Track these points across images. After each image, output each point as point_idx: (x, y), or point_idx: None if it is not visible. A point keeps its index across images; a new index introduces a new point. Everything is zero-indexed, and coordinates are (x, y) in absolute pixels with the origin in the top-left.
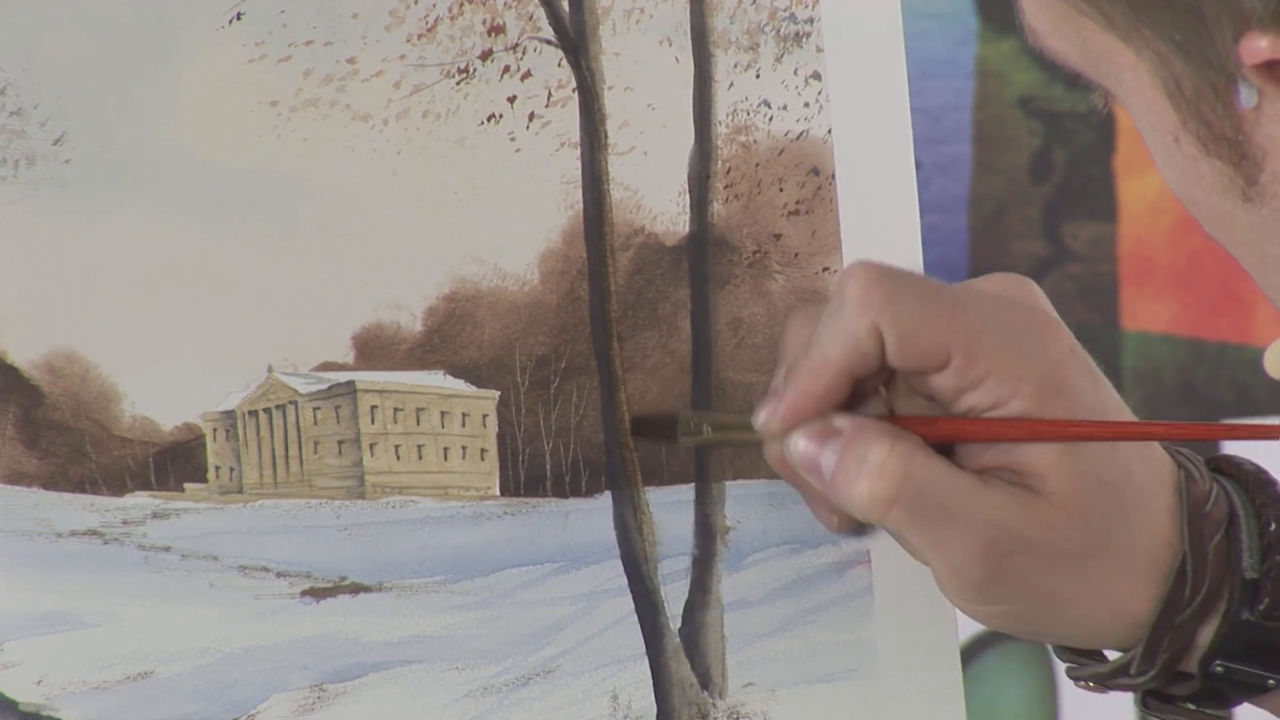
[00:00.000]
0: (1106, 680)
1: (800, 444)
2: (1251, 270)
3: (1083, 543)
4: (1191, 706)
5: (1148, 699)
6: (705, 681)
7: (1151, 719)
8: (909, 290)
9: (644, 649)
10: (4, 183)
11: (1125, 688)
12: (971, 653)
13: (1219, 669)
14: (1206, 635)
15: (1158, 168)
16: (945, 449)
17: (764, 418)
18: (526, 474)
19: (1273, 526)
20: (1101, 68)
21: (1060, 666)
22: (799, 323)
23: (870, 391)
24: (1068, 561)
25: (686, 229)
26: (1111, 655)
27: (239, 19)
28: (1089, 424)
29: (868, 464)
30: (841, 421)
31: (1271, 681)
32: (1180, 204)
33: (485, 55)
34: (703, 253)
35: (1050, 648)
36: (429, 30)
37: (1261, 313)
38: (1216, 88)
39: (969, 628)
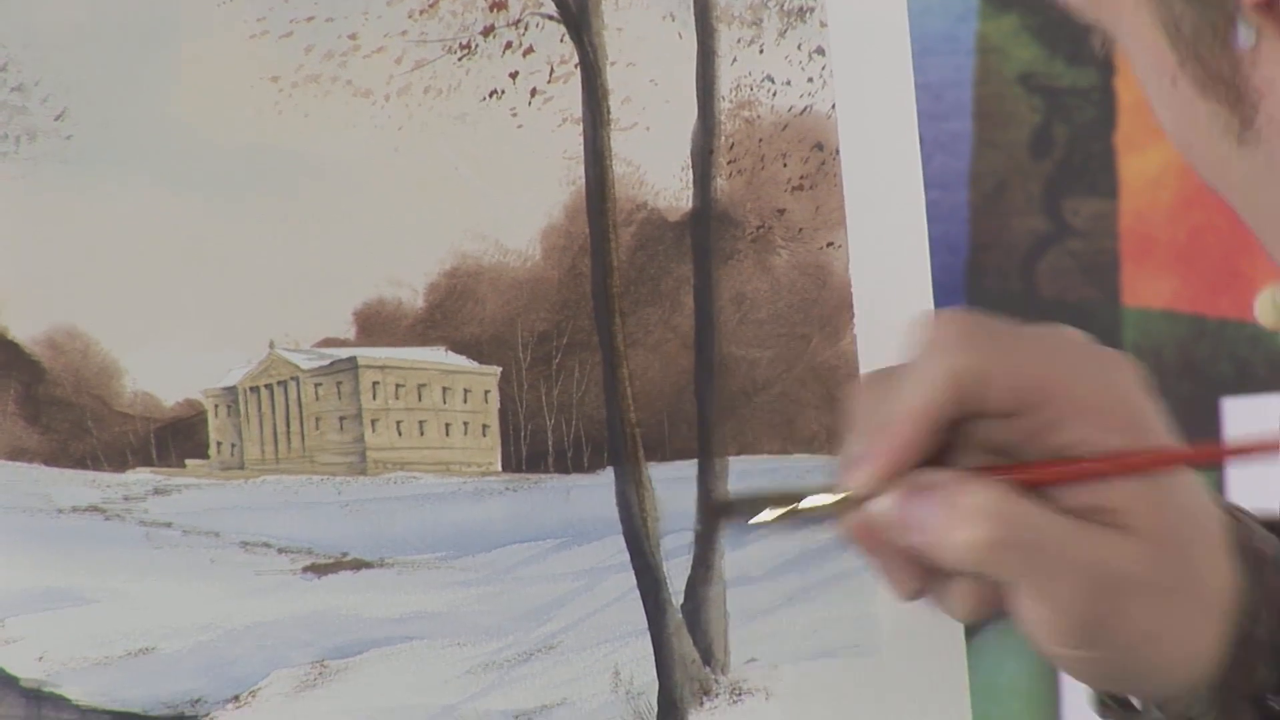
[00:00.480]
0: None
1: (888, 503)
2: (1246, 216)
3: (1177, 578)
4: None
5: None
6: (707, 657)
7: None
8: (996, 330)
9: (646, 625)
10: (5, 158)
11: None
12: (975, 628)
13: (1273, 704)
14: (1264, 672)
15: (1154, 112)
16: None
17: (858, 479)
18: (528, 450)
19: None
20: (1102, 6)
21: None
22: (872, 389)
23: (948, 451)
24: (1163, 599)
25: (689, 204)
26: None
27: None
28: (1175, 451)
29: (966, 510)
30: (931, 475)
31: None
32: (1182, 180)
33: (487, 31)
34: (705, 228)
35: (1088, 697)
36: (431, 6)
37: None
38: (1215, 27)
39: None
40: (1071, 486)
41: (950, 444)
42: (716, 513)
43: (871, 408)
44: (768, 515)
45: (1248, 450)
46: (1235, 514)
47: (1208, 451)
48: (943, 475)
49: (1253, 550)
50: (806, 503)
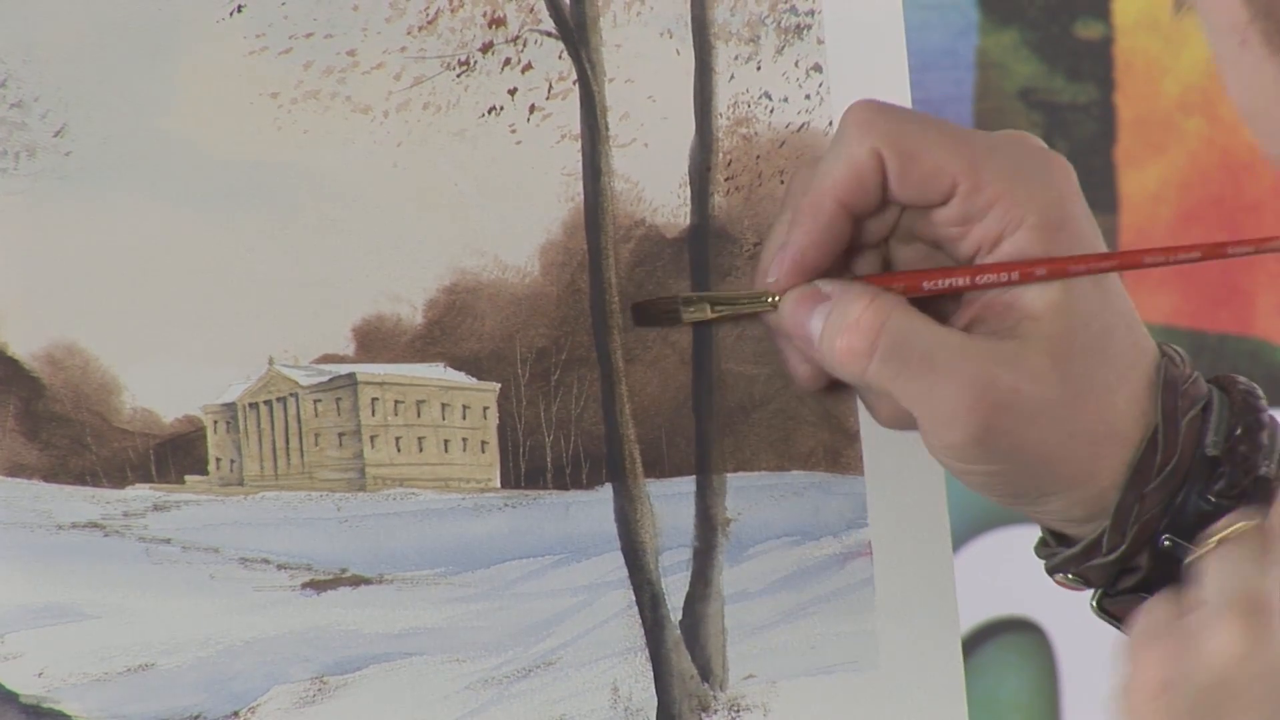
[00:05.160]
0: (1080, 563)
1: (786, 308)
2: None
3: (1065, 394)
4: (1145, 595)
5: (1104, 601)
6: (706, 673)
7: (1106, 619)
8: (912, 117)
9: (645, 641)
10: (5, 175)
11: (1098, 571)
12: (973, 644)
13: (1166, 544)
14: (1155, 509)
15: (1221, 77)
16: (940, 308)
17: (768, 279)
18: (527, 466)
19: (1244, 413)
20: None
21: (1061, 657)
22: (803, 176)
23: (870, 243)
24: (1052, 416)
25: (687, 221)
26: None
27: (239, 11)
28: (1084, 257)
29: (848, 322)
30: (827, 285)
31: None
32: (1181, 195)
33: (486, 47)
34: (704, 245)
35: (1035, 545)
36: (429, 22)
37: (1261, 304)
38: None
39: (970, 619)
40: (975, 295)
41: (889, 234)
42: (635, 316)
43: (789, 199)
44: (687, 314)
45: (1165, 253)
46: (1174, 362)
47: (1102, 259)
48: (838, 285)
49: (1176, 390)
50: (720, 307)
